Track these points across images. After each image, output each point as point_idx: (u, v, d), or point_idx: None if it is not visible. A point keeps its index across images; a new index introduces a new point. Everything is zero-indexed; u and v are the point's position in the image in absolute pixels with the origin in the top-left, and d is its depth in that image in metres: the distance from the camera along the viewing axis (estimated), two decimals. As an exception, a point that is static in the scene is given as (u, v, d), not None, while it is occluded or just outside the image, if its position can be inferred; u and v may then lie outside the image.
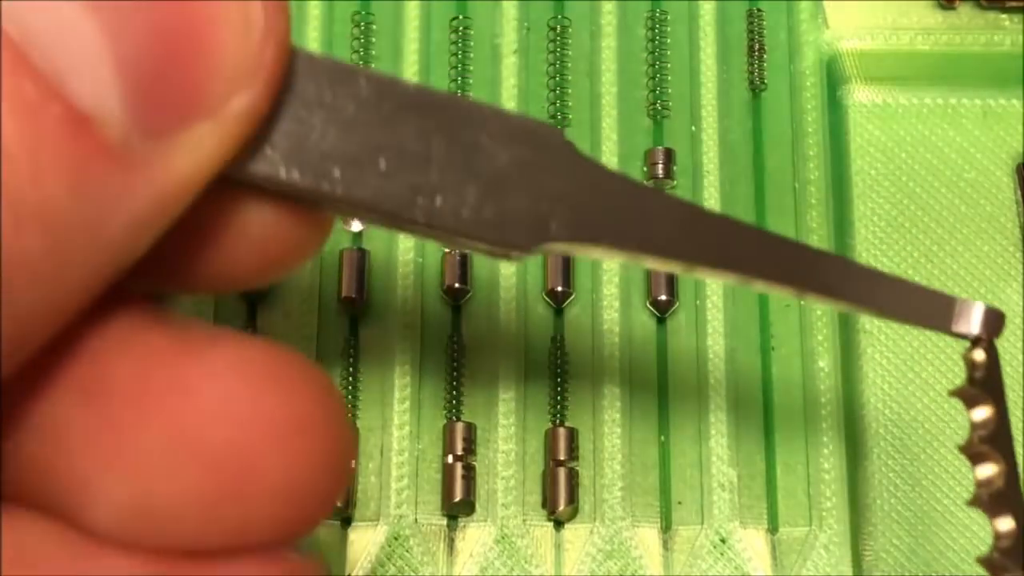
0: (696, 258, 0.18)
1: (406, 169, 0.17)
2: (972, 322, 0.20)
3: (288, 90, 0.16)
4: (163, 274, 0.17)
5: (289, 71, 0.16)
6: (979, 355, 0.20)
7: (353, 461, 0.17)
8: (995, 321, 0.20)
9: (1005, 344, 0.25)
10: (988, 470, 0.20)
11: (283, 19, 0.15)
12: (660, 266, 0.19)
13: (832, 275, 0.19)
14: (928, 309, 0.20)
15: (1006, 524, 0.19)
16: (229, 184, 0.16)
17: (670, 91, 0.27)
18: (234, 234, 0.16)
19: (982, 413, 0.20)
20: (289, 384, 0.16)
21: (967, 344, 0.20)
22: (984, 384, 0.20)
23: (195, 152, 0.15)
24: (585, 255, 0.19)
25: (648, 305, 0.25)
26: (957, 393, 0.20)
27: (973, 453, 0.20)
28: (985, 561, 0.20)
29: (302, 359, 0.17)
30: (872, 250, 0.26)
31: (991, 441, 0.20)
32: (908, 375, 0.25)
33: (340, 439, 0.17)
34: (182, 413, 0.15)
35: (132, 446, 0.15)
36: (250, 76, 0.15)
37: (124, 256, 0.15)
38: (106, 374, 0.15)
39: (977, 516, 0.21)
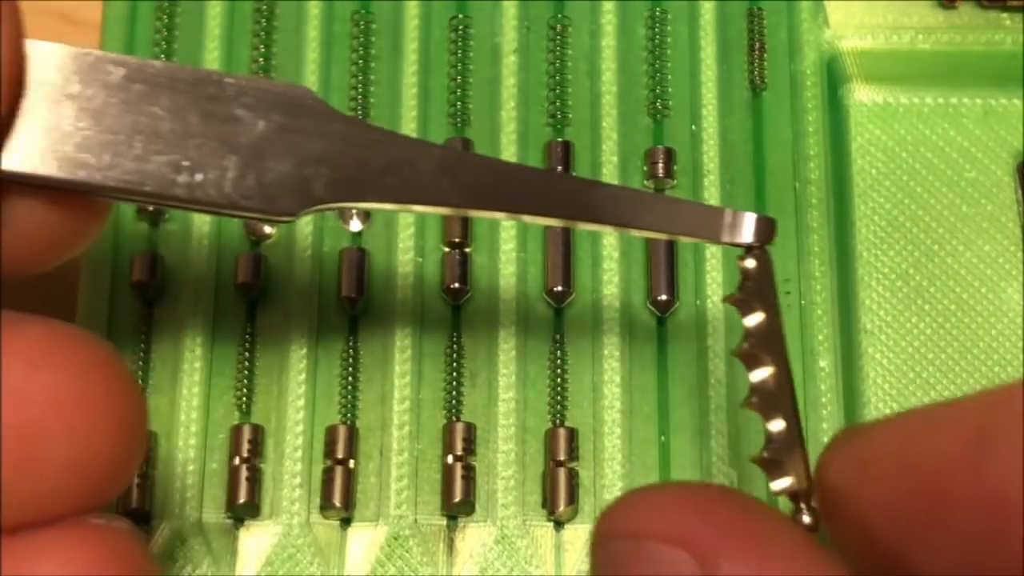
0: (462, 202, 0.19)
1: (163, 148, 0.18)
2: (744, 231, 0.20)
3: (34, 86, 0.17)
4: None
5: (33, 67, 0.17)
6: (750, 263, 0.21)
7: (146, 427, 0.18)
8: (766, 229, 0.21)
9: (1006, 344, 0.25)
10: (761, 373, 0.20)
11: (10, 25, 0.16)
12: (430, 211, 0.19)
13: (598, 202, 0.20)
14: (699, 222, 0.20)
15: (777, 424, 0.20)
16: None
17: (670, 91, 0.27)
18: (3, 227, 0.17)
19: (754, 319, 0.20)
20: (66, 360, 0.17)
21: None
22: (756, 291, 0.20)
23: None
24: (355, 209, 0.20)
25: (648, 305, 0.25)
26: (730, 300, 0.21)
27: (747, 358, 0.20)
28: (758, 461, 0.20)
29: (82, 334, 0.17)
30: (873, 249, 0.26)
31: (763, 346, 0.20)
32: (908, 375, 0.25)
33: (125, 408, 0.17)
34: None
35: None
36: None
37: None
38: None
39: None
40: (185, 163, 0.18)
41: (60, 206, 0.18)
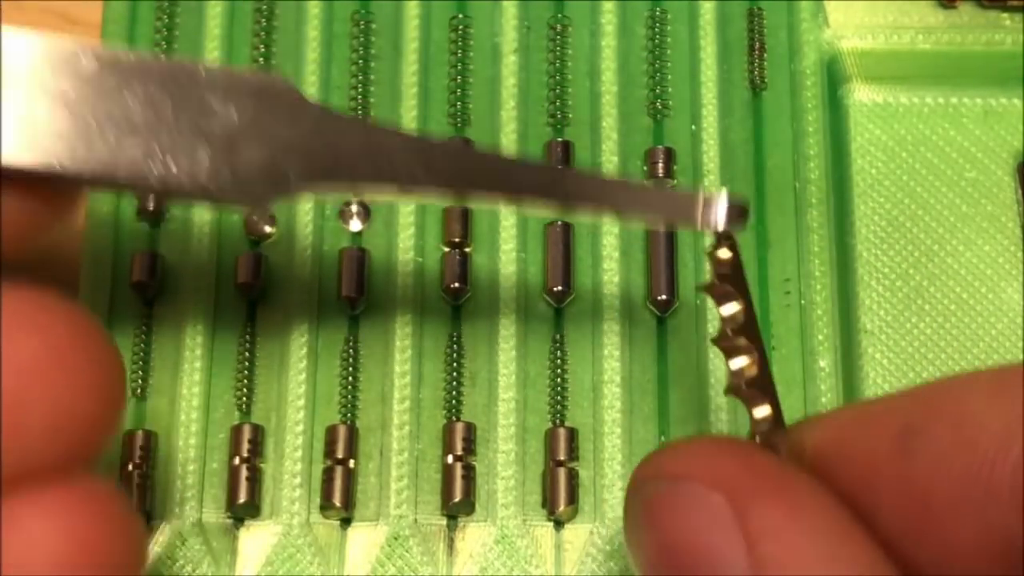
0: (434, 187, 0.19)
1: (136, 138, 0.18)
2: (716, 218, 0.21)
3: (7, 75, 0.17)
4: None
5: (6, 57, 0.17)
6: (724, 252, 0.21)
7: (124, 386, 0.19)
8: (739, 216, 0.21)
9: (1006, 344, 0.25)
10: (741, 360, 0.20)
11: None
12: (404, 198, 0.20)
13: (571, 187, 0.20)
14: (672, 207, 0.21)
15: (762, 410, 0.20)
16: None
17: (670, 91, 0.27)
18: None
19: (730, 308, 0.21)
20: (43, 324, 0.17)
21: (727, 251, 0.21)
22: (730, 279, 0.21)
23: None
24: (330, 195, 0.21)
25: (648, 305, 0.25)
26: (704, 289, 0.21)
27: (726, 346, 0.21)
28: None
29: (55, 297, 0.18)
30: (873, 249, 0.26)
31: (741, 332, 0.20)
32: (908, 375, 0.25)
33: (103, 368, 0.18)
34: None
35: None
36: None
37: None
38: None
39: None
40: (158, 152, 0.18)
41: (36, 195, 0.18)
